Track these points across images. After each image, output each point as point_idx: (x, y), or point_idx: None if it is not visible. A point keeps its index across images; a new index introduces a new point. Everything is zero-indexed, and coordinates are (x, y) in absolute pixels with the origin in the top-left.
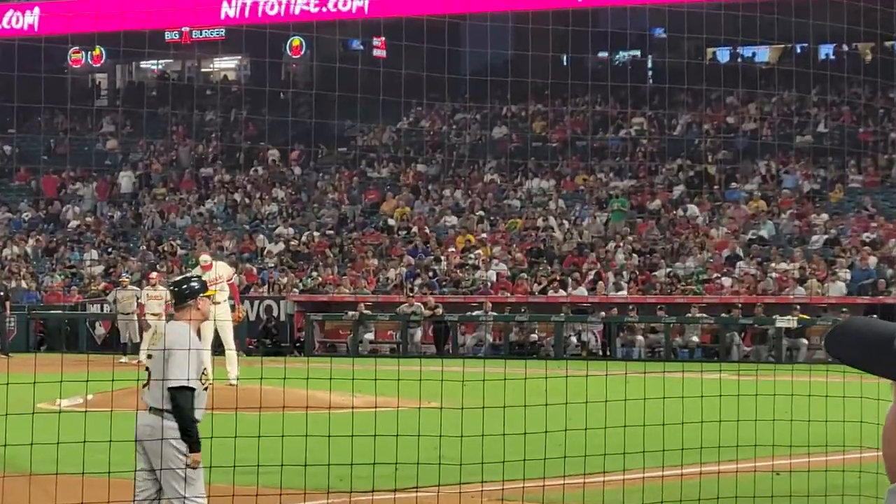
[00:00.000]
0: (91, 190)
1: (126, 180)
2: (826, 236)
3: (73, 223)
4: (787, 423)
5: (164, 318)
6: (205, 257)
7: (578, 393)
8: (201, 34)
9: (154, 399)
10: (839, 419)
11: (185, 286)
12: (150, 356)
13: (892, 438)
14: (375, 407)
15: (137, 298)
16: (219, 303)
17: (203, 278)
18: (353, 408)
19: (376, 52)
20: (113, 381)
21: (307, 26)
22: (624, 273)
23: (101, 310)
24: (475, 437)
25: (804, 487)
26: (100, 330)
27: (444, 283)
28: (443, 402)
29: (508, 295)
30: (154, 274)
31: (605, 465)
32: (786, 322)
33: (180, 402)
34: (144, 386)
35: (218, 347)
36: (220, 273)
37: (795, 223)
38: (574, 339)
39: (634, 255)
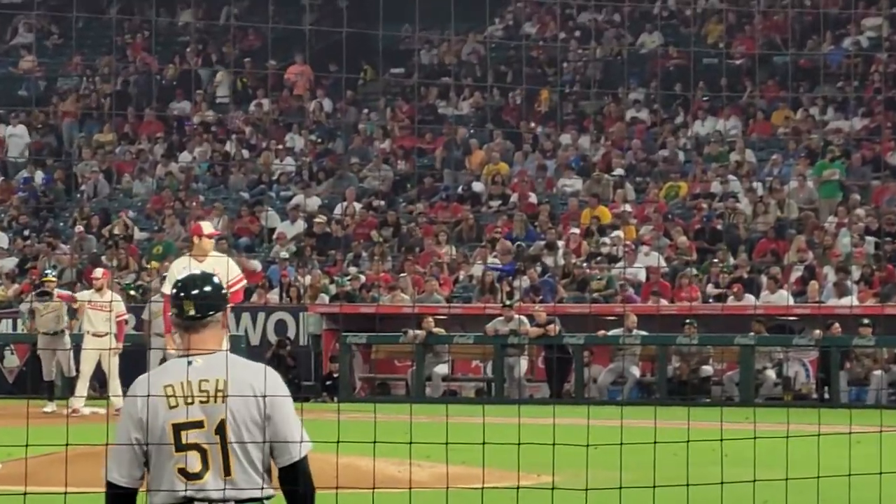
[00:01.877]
0: None
1: (15, 142)
2: None
3: None
4: None
5: (113, 339)
6: (207, 224)
7: (775, 461)
8: None
9: (249, 482)
10: None
11: (213, 286)
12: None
13: None
14: (447, 486)
15: (72, 309)
16: None
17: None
18: (410, 487)
19: None
20: (26, 445)
21: None
22: (852, 268)
23: (14, 328)
24: None
25: None
26: (11, 360)
27: (562, 284)
28: (554, 477)
29: (666, 303)
30: (99, 271)
31: None
32: None
33: (308, 475)
34: (194, 475)
35: None
36: (217, 268)
37: None
38: (771, 374)
39: (868, 237)
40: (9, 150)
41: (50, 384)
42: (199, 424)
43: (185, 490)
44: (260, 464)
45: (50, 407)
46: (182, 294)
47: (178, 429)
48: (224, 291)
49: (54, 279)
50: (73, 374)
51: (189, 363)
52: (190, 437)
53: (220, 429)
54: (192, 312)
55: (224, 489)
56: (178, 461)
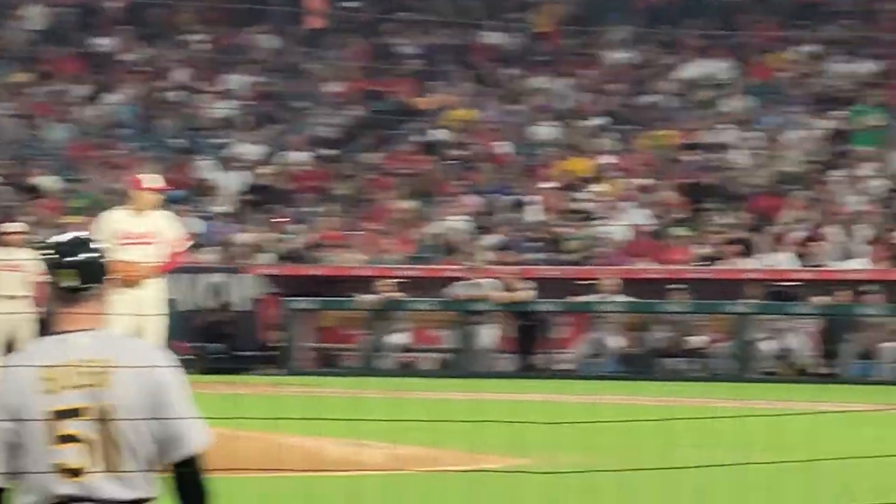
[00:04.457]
0: None
1: None
2: None
3: None
4: None
5: (30, 304)
6: (149, 177)
7: (769, 442)
8: None
9: (138, 479)
10: None
11: (94, 252)
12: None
13: None
14: (401, 469)
15: None
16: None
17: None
18: (360, 469)
19: None
20: None
21: None
22: (861, 226)
23: None
24: None
25: None
26: None
27: (533, 244)
28: (521, 460)
29: (649, 265)
30: (13, 226)
31: None
32: None
33: (205, 472)
34: (74, 472)
35: None
36: (159, 225)
37: None
38: (767, 346)
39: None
40: None
41: None
42: (79, 412)
43: (65, 488)
44: (152, 459)
45: None
46: (57, 261)
47: (54, 417)
48: (105, 259)
49: None
50: None
51: (68, 341)
52: (69, 426)
53: (105, 417)
54: (71, 283)
55: (109, 487)
56: (56, 455)
